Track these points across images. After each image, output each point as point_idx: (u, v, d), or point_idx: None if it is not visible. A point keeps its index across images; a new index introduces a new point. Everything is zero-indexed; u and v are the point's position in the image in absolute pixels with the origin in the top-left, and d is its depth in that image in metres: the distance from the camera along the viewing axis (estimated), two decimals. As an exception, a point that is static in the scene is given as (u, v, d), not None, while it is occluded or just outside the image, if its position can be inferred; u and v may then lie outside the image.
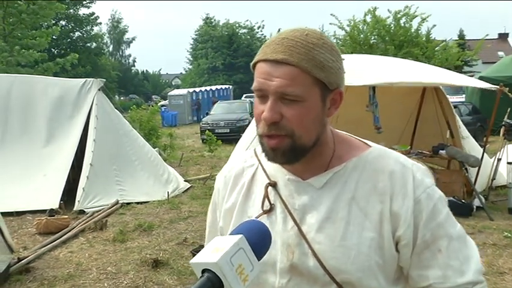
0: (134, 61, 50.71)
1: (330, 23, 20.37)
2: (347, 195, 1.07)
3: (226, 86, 36.15)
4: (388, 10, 21.24)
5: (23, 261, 5.21)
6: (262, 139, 1.07)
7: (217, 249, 0.86)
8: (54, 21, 21.46)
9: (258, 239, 0.92)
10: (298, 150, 1.05)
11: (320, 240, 1.05)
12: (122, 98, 38.96)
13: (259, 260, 0.90)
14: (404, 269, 1.07)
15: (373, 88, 7.06)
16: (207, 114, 20.76)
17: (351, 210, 1.06)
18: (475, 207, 6.95)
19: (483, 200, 7.16)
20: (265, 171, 1.17)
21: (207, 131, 15.33)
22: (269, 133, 1.04)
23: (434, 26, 21.85)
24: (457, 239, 1.05)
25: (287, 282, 1.08)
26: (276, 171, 1.15)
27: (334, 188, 1.08)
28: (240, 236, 0.89)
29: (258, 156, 1.19)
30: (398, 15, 20.87)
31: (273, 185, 1.14)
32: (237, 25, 49.29)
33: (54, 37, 17.91)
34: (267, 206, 1.13)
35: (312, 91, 1.02)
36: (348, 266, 1.03)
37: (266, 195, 1.13)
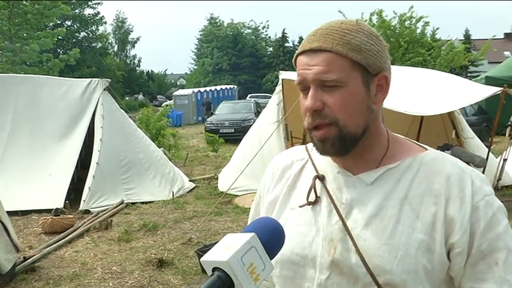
0: (139, 61, 50.78)
1: None
2: (399, 193, 1.03)
3: (231, 86, 36.16)
4: (394, 12, 21.29)
5: (28, 260, 5.24)
6: (310, 133, 1.05)
7: (228, 247, 0.85)
8: (59, 22, 21.54)
9: (271, 237, 0.89)
10: (347, 139, 1.02)
11: (366, 237, 1.01)
12: (127, 98, 39.01)
13: (271, 258, 0.88)
14: (456, 281, 1.01)
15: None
16: (212, 114, 20.79)
17: (402, 209, 1.01)
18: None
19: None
20: (314, 166, 1.15)
21: (206, 133, 15.37)
22: (314, 123, 1.02)
23: (438, 28, 21.95)
24: None
25: (326, 279, 1.04)
26: (326, 165, 1.12)
27: (386, 185, 1.04)
28: (252, 234, 0.86)
29: (309, 151, 1.18)
30: (403, 18, 20.91)
31: (321, 178, 1.11)
32: (241, 25, 49.31)
33: (59, 37, 17.92)
34: (312, 197, 1.10)
35: (351, 75, 1.00)
36: (393, 267, 0.98)
37: (313, 186, 1.10)
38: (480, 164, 7.07)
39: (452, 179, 1.01)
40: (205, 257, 0.86)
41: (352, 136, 1.02)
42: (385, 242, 1.00)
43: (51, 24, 19.00)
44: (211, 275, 0.84)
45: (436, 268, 0.99)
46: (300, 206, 1.10)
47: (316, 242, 1.07)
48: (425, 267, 0.98)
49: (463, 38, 33.91)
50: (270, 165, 1.26)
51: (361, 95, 1.02)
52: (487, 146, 8.07)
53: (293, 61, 1.08)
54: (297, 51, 1.06)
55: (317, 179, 1.11)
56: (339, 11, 21.08)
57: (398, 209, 1.02)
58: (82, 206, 7.46)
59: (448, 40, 22.38)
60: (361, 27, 1.02)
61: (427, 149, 1.11)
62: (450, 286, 1.03)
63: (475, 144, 8.08)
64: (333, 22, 1.04)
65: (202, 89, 31.51)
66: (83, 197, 7.56)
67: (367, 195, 1.05)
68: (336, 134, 1.02)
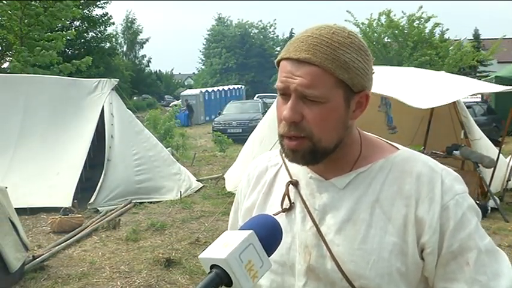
0: (149, 61, 50.83)
1: (345, 20, 20.31)
2: (370, 197, 1.02)
3: (239, 86, 36.16)
4: (403, 12, 21.21)
5: (37, 259, 5.28)
6: (282, 140, 1.04)
7: (226, 245, 0.85)
8: (69, 22, 21.65)
9: (269, 235, 0.89)
10: (319, 153, 1.01)
11: (339, 242, 1.01)
12: (135, 98, 39.14)
13: (269, 256, 0.88)
14: (430, 280, 1.01)
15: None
16: (219, 114, 20.80)
17: (374, 212, 1.01)
18: (489, 208, 6.87)
19: (498, 201, 7.08)
20: (288, 171, 1.14)
21: (214, 132, 15.38)
22: (289, 134, 1.01)
23: (448, 29, 21.86)
24: (485, 253, 0.97)
25: (303, 285, 1.05)
26: (299, 170, 1.12)
27: (358, 189, 1.04)
28: (250, 231, 0.86)
29: (283, 156, 1.15)
30: (412, 18, 20.83)
31: (295, 183, 1.11)
32: (249, 24, 49.28)
33: (68, 38, 18.00)
34: (286, 204, 1.09)
35: (334, 92, 0.98)
36: (366, 271, 0.98)
37: (286, 193, 1.10)
38: (489, 164, 7.01)
39: (422, 179, 1.01)
40: (204, 255, 0.86)
41: (324, 150, 1.02)
42: (358, 246, 1.00)
43: (59, 25, 19.09)
44: (209, 273, 0.84)
45: (410, 269, 0.99)
46: (274, 214, 1.09)
47: (293, 249, 1.07)
48: (399, 270, 0.98)
49: (472, 38, 33.61)
50: (246, 172, 1.25)
51: (340, 112, 1.00)
52: (497, 142, 7.99)
53: (275, 62, 1.05)
54: (282, 54, 1.02)
55: (291, 185, 1.11)
56: (347, 11, 21.02)
57: (369, 212, 1.01)
58: (92, 204, 7.54)
59: (457, 40, 22.25)
60: (352, 41, 0.99)
61: (399, 149, 1.09)
62: (427, 286, 1.02)
63: (485, 145, 8.01)
64: (324, 31, 0.99)
65: (210, 89, 31.53)
66: (94, 194, 7.66)
67: (339, 200, 1.04)
68: (308, 147, 1.00)
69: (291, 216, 1.09)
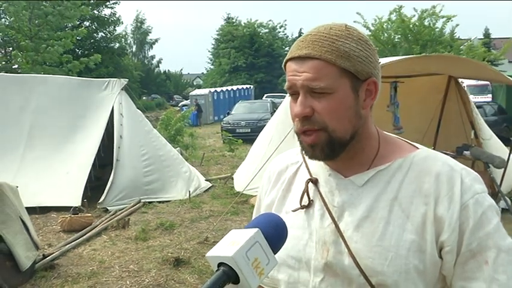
0: (159, 62, 51.09)
1: (354, 21, 20.23)
2: (389, 195, 1.03)
3: (248, 86, 36.16)
4: (414, 9, 21.05)
5: (47, 258, 5.32)
6: (299, 137, 1.06)
7: (233, 243, 0.86)
8: (78, 22, 21.77)
9: (274, 233, 0.91)
10: (336, 144, 1.03)
11: (357, 239, 1.02)
12: (144, 98, 39.27)
13: (275, 253, 0.90)
14: (447, 279, 1.01)
15: (395, 88, 6.98)
16: (228, 114, 20.82)
17: (392, 210, 1.02)
18: (500, 209, 6.80)
19: (509, 202, 7.01)
20: (308, 169, 1.16)
21: (224, 132, 15.40)
22: (303, 128, 1.03)
23: (457, 25, 21.64)
24: (506, 252, 0.97)
25: (320, 281, 1.06)
26: (319, 168, 1.13)
27: (376, 186, 1.05)
28: (256, 229, 0.88)
29: (303, 154, 1.17)
30: (424, 14, 20.64)
31: (314, 181, 1.12)
32: (258, 24, 49.23)
33: (78, 38, 18.11)
34: (305, 201, 1.11)
35: (339, 82, 1.00)
36: (384, 268, 0.99)
37: (306, 190, 1.12)
38: (500, 165, 6.94)
39: (442, 178, 1.01)
40: (211, 253, 0.88)
41: (340, 141, 1.03)
42: (376, 243, 1.01)
43: (70, 25, 19.20)
44: (216, 270, 0.86)
45: (428, 268, 0.99)
46: (292, 211, 1.11)
47: (309, 245, 1.08)
48: (417, 268, 0.98)
49: (483, 37, 33.36)
50: (267, 169, 1.28)
51: (350, 101, 1.02)
52: (508, 141, 7.90)
53: (283, 66, 1.08)
54: (286, 57, 1.07)
55: (310, 183, 1.12)
56: (357, 13, 20.93)
57: (388, 210, 1.02)
58: (101, 204, 7.59)
59: (467, 40, 22.07)
60: (350, 33, 1.03)
61: (418, 148, 1.10)
62: (445, 285, 1.03)
63: (495, 145, 7.94)
64: (322, 27, 1.04)
65: (218, 89, 31.57)
66: (104, 193, 7.72)
67: (358, 198, 1.06)
68: (325, 139, 1.03)
69: (309, 213, 1.11)
